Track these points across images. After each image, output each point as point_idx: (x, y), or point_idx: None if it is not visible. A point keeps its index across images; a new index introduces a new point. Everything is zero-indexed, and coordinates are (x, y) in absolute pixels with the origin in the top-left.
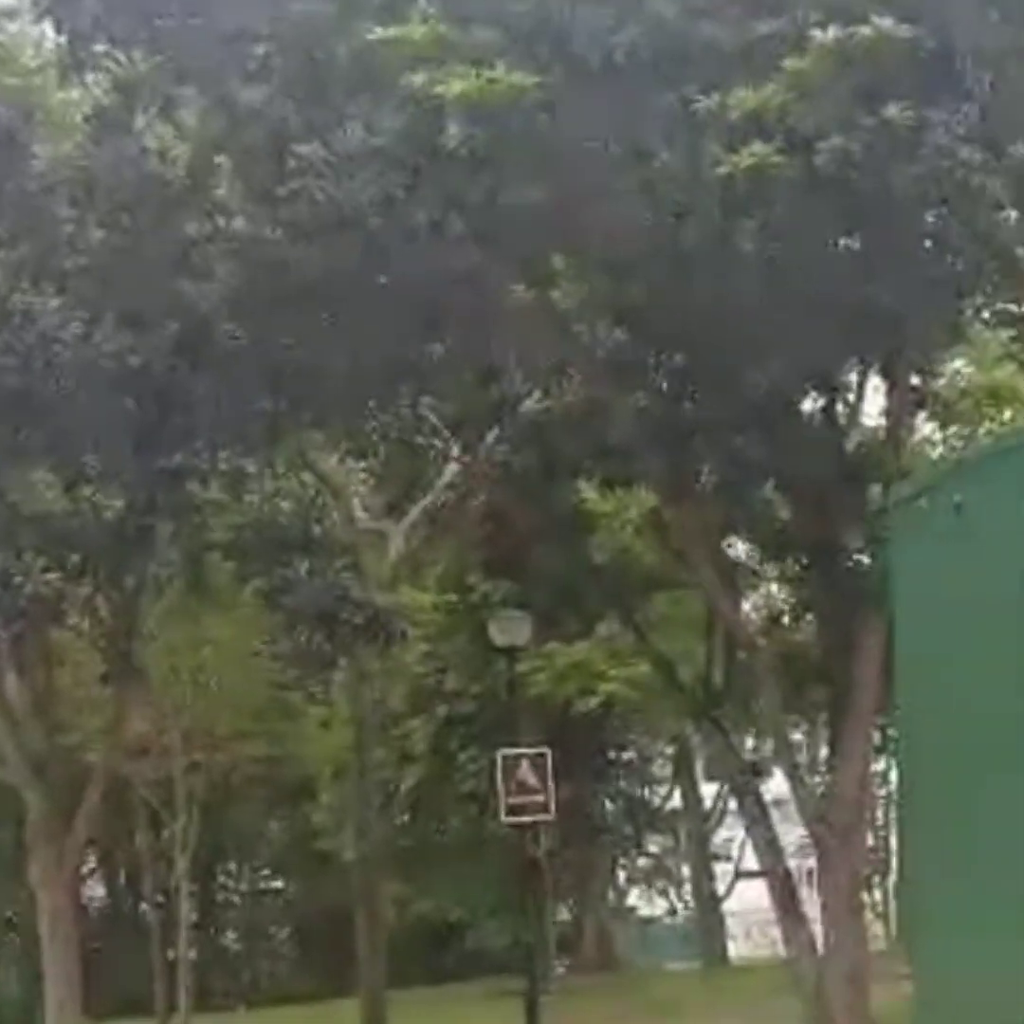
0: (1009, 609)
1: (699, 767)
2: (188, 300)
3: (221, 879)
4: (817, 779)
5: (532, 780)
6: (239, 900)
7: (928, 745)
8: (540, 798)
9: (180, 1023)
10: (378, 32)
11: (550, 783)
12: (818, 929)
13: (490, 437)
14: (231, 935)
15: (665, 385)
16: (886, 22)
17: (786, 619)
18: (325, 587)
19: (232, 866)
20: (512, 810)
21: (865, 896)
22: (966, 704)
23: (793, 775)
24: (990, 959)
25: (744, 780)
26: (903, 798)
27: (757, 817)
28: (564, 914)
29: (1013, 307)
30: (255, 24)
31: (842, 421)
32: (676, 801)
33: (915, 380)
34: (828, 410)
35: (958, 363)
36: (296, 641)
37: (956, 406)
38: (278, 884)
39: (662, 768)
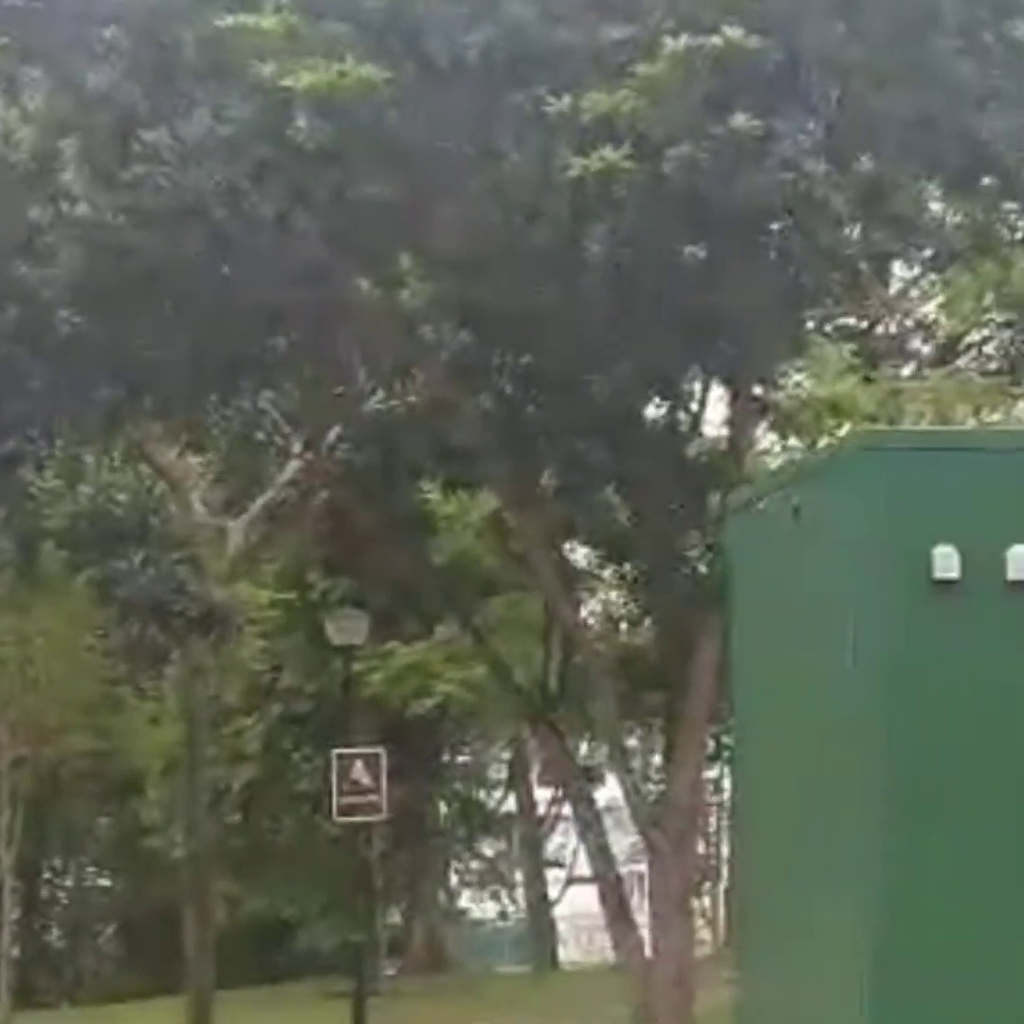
0: (845, 613)
1: (535, 772)
2: (29, 285)
3: (46, 875)
4: (651, 786)
5: (366, 780)
6: (65, 897)
7: (759, 751)
8: (373, 798)
9: (1, 1020)
10: (228, 20)
11: (384, 783)
12: (648, 934)
13: (332, 435)
14: (56, 932)
15: (510, 388)
16: (735, 32)
17: (625, 624)
18: (159, 579)
19: (58, 862)
20: (345, 810)
21: (696, 902)
22: (798, 709)
23: (626, 781)
24: (809, 967)
25: (577, 785)
26: (735, 805)
27: (589, 822)
28: (396, 916)
29: (854, 321)
30: (103, 6)
31: (684, 428)
32: (511, 805)
33: (757, 390)
34: (671, 417)
35: (800, 375)
36: (128, 633)
37: (797, 417)
38: (105, 881)
39: (498, 772)
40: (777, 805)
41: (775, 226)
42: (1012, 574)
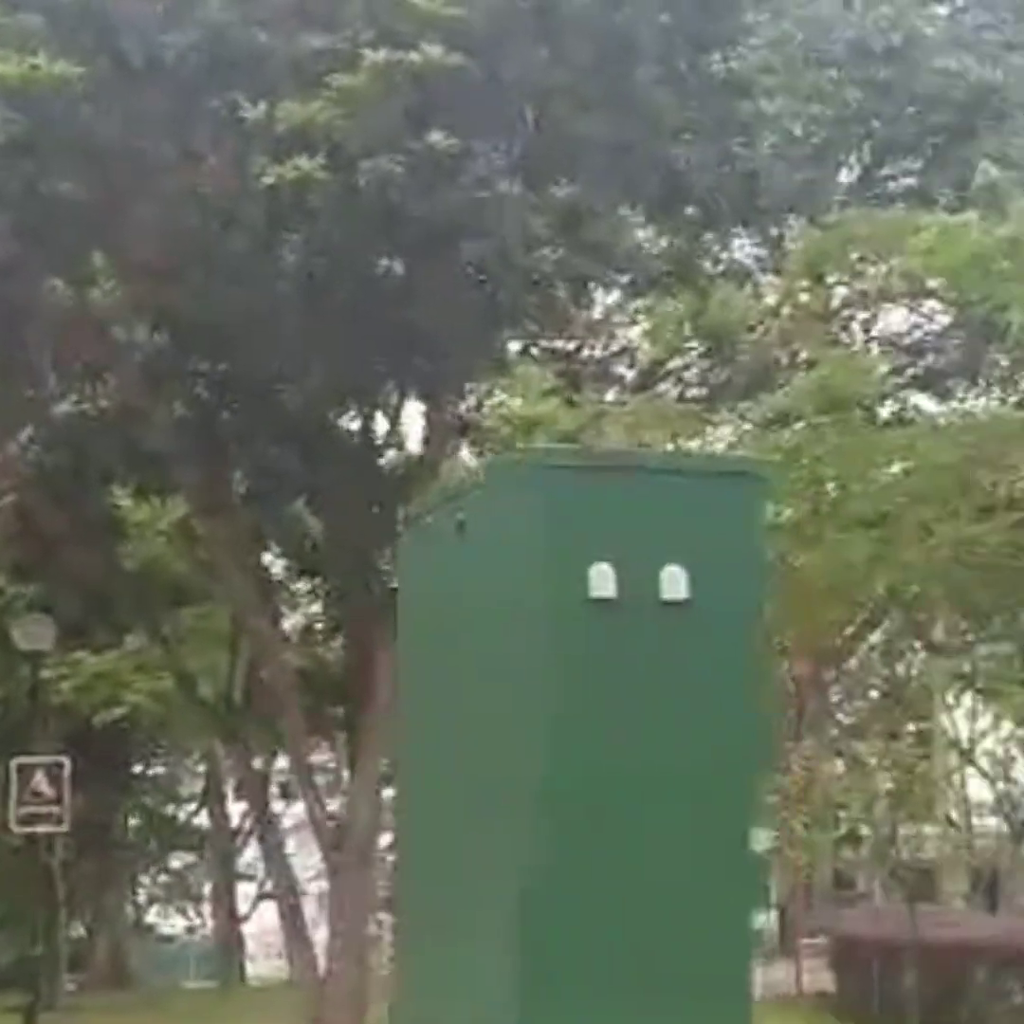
0: (503, 629)
1: (231, 786)
2: None
3: None
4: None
5: (47, 790)
6: None
7: (421, 763)
8: (55, 809)
9: None
10: None
11: (67, 794)
12: (326, 950)
13: (23, 436)
14: None
15: (204, 394)
16: (436, 49)
17: (317, 636)
18: None
19: None
20: (24, 820)
21: (385, 917)
22: (458, 721)
23: (310, 797)
24: (463, 971)
25: (262, 802)
26: (397, 817)
27: (272, 840)
28: (79, 929)
29: (561, 344)
30: None
31: (380, 441)
32: (204, 819)
33: (460, 407)
34: (366, 429)
35: (504, 394)
36: None
37: (497, 434)
38: None
39: (193, 785)
40: (437, 816)
41: (471, 245)
42: (666, 593)
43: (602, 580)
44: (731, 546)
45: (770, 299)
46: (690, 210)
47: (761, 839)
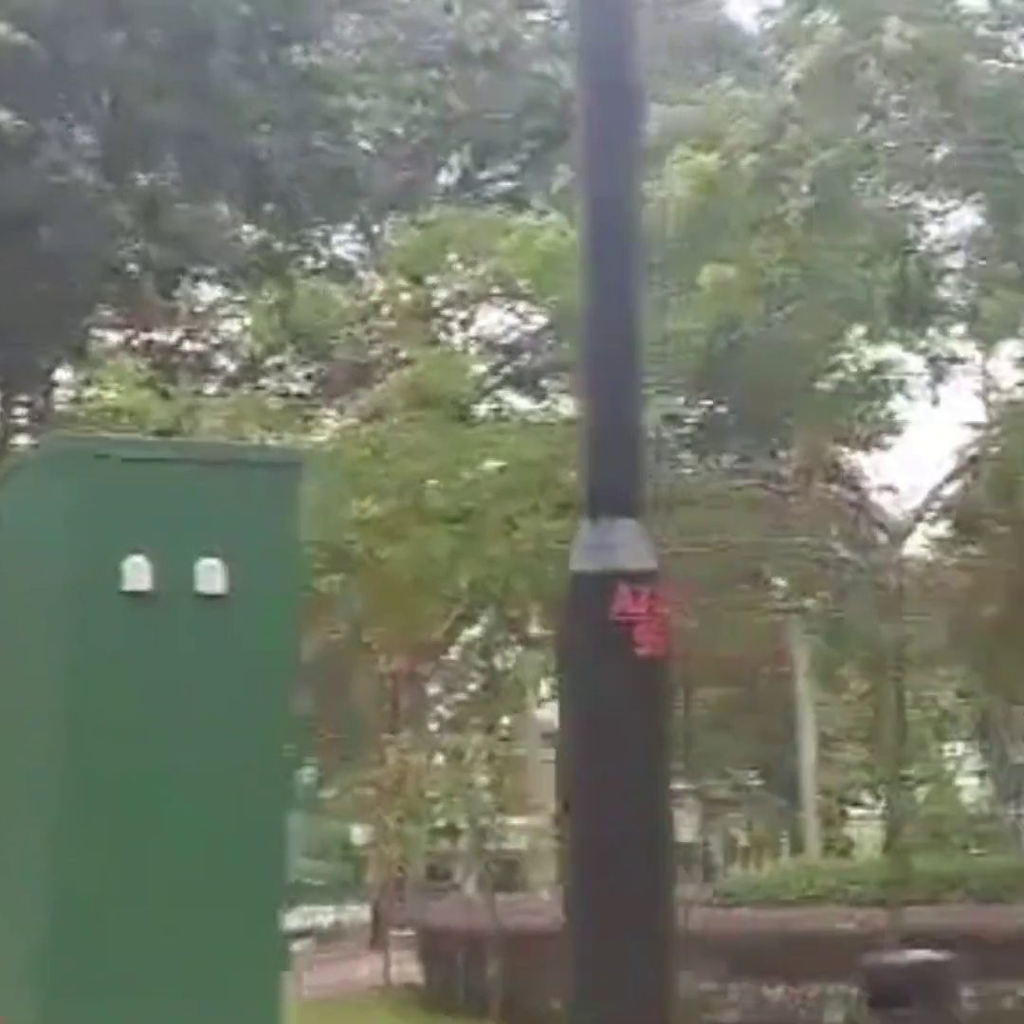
0: (40, 620)
1: None
2: None
3: None
4: None
5: None
6: None
7: None
8: None
9: None
10: None
11: None
12: None
13: None
14: None
15: None
16: (0, 27)
17: None
18: None
19: None
20: None
21: None
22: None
23: None
24: None
25: None
26: None
27: None
28: None
29: (162, 336)
30: None
31: None
32: None
33: (49, 396)
34: None
35: (96, 386)
36: None
37: (87, 424)
38: None
39: None
40: None
41: (46, 231)
42: (202, 586)
43: (137, 573)
44: (268, 538)
45: (374, 296)
46: (272, 204)
47: (356, 833)
